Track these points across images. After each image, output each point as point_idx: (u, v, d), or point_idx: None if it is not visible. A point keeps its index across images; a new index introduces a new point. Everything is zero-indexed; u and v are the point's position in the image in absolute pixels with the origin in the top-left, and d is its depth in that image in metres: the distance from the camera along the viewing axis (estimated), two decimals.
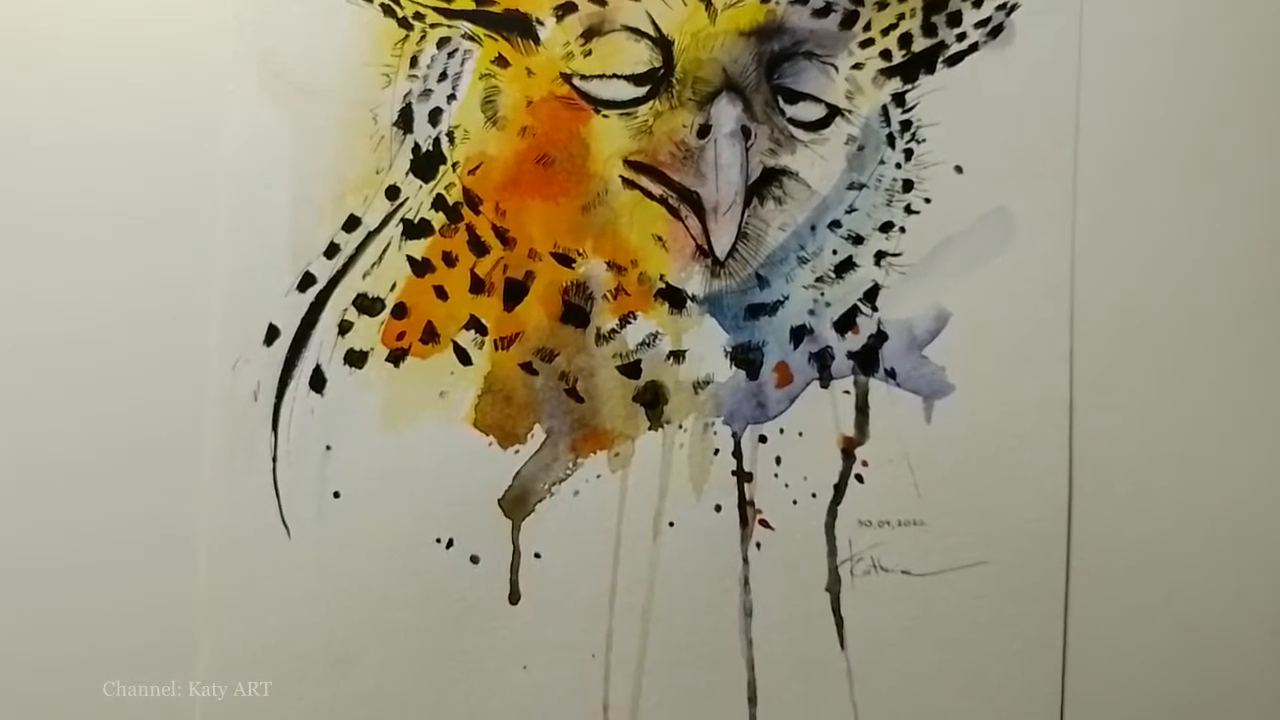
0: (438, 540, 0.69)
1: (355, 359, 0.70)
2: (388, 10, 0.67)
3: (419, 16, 0.67)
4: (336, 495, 0.69)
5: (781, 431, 0.73)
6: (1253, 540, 0.72)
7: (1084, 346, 0.74)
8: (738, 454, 0.72)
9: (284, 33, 0.69)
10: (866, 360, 0.73)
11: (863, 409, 0.73)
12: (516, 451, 0.71)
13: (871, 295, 0.73)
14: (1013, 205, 0.74)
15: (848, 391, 0.74)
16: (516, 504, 0.70)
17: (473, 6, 0.69)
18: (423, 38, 0.70)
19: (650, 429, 0.71)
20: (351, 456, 0.70)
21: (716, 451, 0.72)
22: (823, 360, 0.73)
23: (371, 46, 0.70)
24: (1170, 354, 0.75)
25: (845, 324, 0.73)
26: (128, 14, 0.68)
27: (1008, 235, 0.74)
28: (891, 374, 0.73)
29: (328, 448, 0.70)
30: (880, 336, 0.73)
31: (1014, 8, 0.73)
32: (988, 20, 0.73)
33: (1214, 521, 0.72)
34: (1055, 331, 0.75)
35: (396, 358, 0.70)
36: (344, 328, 0.70)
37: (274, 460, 0.68)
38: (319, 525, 0.68)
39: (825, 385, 0.73)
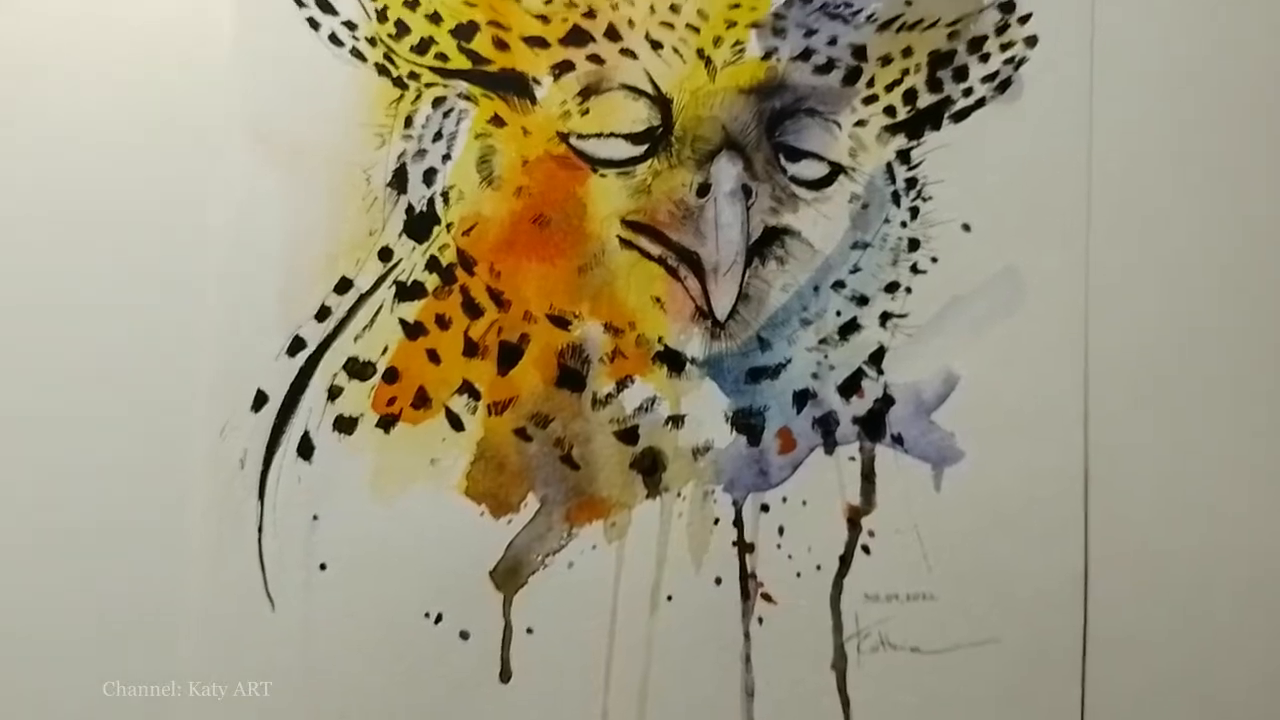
0: (426, 615, 0.69)
1: (344, 425, 0.69)
2: (382, 70, 0.66)
3: (414, 76, 0.66)
4: (323, 567, 0.69)
5: (784, 500, 0.72)
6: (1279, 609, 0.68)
7: (1099, 410, 0.73)
8: (739, 524, 0.71)
9: (277, 93, 0.70)
10: (872, 425, 0.72)
11: (869, 476, 0.72)
12: (509, 521, 0.70)
13: (877, 358, 0.72)
14: (1023, 264, 0.73)
15: (853, 458, 0.72)
16: (508, 576, 0.69)
17: (468, 66, 0.70)
18: (417, 97, 0.70)
19: (648, 497, 0.71)
20: (339, 526, 0.69)
21: (717, 521, 0.71)
22: (827, 425, 0.72)
23: (365, 106, 0.70)
24: (1188, 417, 0.74)
25: (850, 388, 0.72)
26: (121, 73, 0.69)
27: (1018, 295, 0.73)
28: (899, 440, 0.72)
29: (315, 517, 0.69)
30: (886, 401, 0.72)
31: (1022, 62, 0.74)
32: (995, 75, 0.73)
33: (1239, 591, 0.70)
34: (1069, 395, 0.73)
35: (387, 424, 0.69)
36: (334, 393, 0.69)
37: (259, 530, 0.68)
38: (305, 598, 0.68)
39: (830, 452, 0.72)
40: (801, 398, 0.71)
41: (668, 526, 0.70)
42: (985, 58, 0.73)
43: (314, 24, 0.68)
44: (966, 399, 0.72)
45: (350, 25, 0.68)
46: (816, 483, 0.71)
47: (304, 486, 0.69)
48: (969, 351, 0.72)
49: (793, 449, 0.71)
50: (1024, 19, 0.72)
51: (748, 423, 0.71)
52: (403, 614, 0.68)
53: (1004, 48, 0.73)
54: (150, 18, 0.68)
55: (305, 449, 0.69)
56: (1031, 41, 0.73)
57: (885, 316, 0.72)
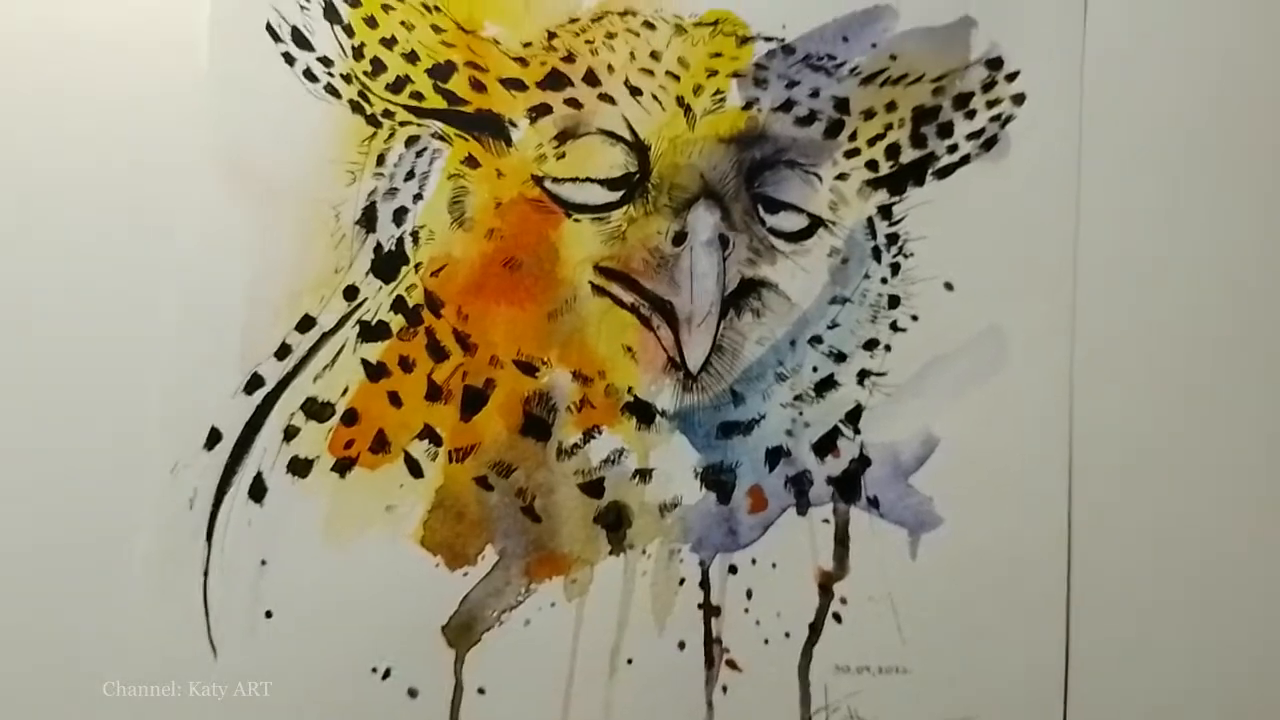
0: (374, 669, 0.67)
1: (299, 467, 0.67)
2: (356, 107, 0.65)
3: (388, 114, 0.65)
4: (269, 615, 0.66)
5: (754, 562, 0.69)
6: (1268, 690, 0.63)
7: (1084, 477, 0.71)
8: (705, 585, 0.69)
9: (250, 126, 0.69)
10: (848, 487, 0.70)
11: (843, 541, 0.70)
12: (465, 574, 0.68)
13: (854, 416, 0.71)
14: (1007, 324, 0.72)
15: (827, 520, 0.70)
16: (462, 632, 0.67)
17: (444, 106, 0.70)
18: (391, 135, 0.70)
19: (611, 554, 0.69)
20: (288, 573, 0.67)
21: (682, 581, 0.69)
22: (800, 485, 0.70)
23: (338, 142, 0.70)
24: (1177, 485, 0.72)
25: (825, 446, 0.70)
26: (95, 97, 0.69)
27: (1001, 356, 0.71)
28: (874, 503, 0.70)
29: (263, 562, 0.67)
30: (863, 461, 0.70)
31: (1009, 119, 0.73)
32: (981, 132, 0.73)
33: (1226, 670, 0.65)
34: (1052, 461, 0.71)
35: (343, 467, 0.68)
36: (290, 433, 0.68)
37: (205, 574, 0.66)
38: (248, 647, 0.66)
39: (803, 513, 0.70)
40: (775, 455, 0.69)
41: (631, 585, 0.67)
42: (971, 114, 0.72)
43: (289, 59, 0.67)
44: (946, 462, 0.70)
45: (326, 61, 0.67)
46: (788, 545, 0.69)
47: (254, 530, 0.67)
48: (950, 413, 0.70)
49: (764, 508, 0.69)
50: (1011, 76, 0.71)
51: (718, 479, 0.69)
52: (349, 667, 0.66)
53: (991, 105, 0.72)
54: (127, 44, 0.68)
55: (257, 491, 0.67)
56: (1019, 99, 0.72)
57: (863, 374, 0.70)
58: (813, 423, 0.70)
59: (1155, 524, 0.69)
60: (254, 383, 0.67)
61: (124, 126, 0.69)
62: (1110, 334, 0.71)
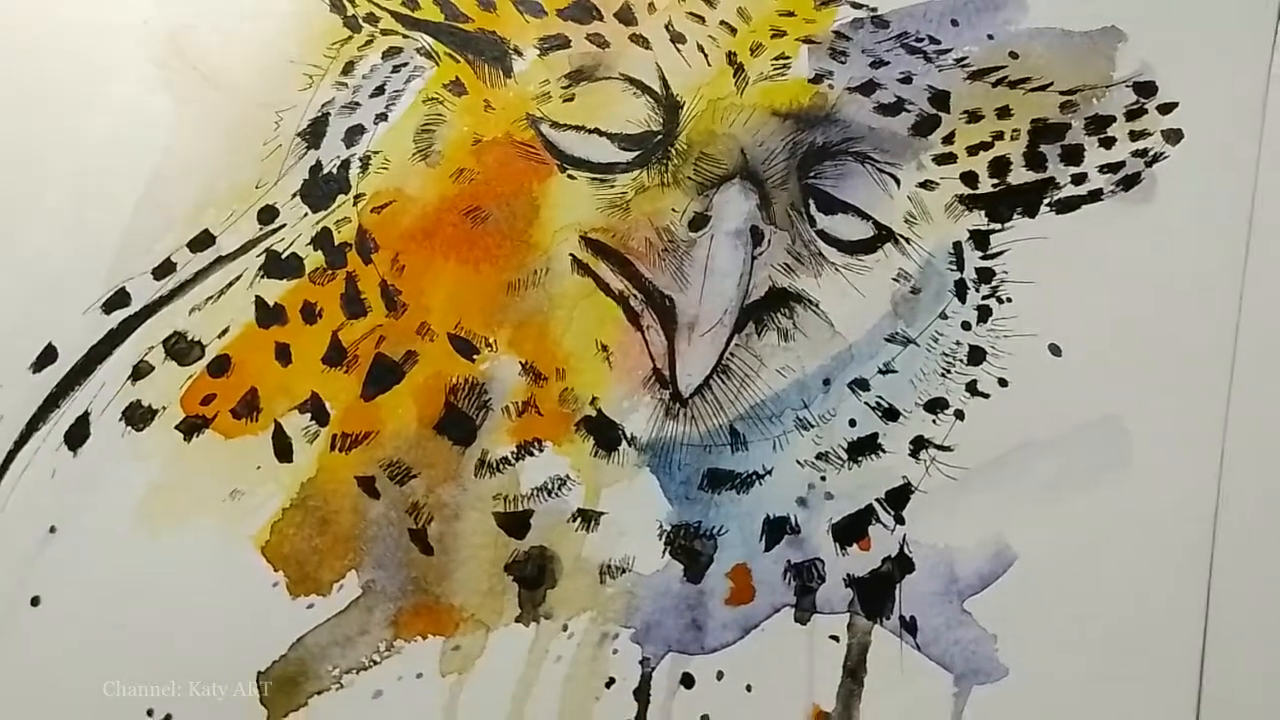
0: (149, 714, 0.50)
1: (138, 417, 0.54)
2: (336, 5, 0.55)
3: (372, 19, 0.54)
4: (35, 602, 0.51)
5: (719, 676, 0.52)
6: None
7: (1223, 643, 0.51)
8: (642, 696, 0.52)
9: (209, 10, 0.59)
10: (875, 595, 0.54)
11: (855, 673, 0.53)
12: (310, 606, 0.52)
13: (898, 499, 0.55)
14: (1131, 419, 0.56)
15: (836, 638, 0.53)
16: (284, 687, 0.51)
17: (440, 19, 0.60)
18: (368, 43, 0.60)
19: (519, 620, 0.53)
20: (77, 550, 0.52)
21: (610, 683, 0.52)
22: (806, 579, 0.54)
23: (303, 41, 0.59)
24: None
25: (851, 532, 0.54)
26: None
27: (1120, 458, 0.55)
28: (911, 627, 0.53)
29: (51, 529, 0.52)
30: (902, 563, 0.54)
31: (1158, 158, 0.59)
32: (1119, 165, 0.59)
33: None
34: (1181, 615, 0.52)
35: (192, 428, 0.54)
36: (139, 371, 0.55)
37: None
38: None
39: (804, 619, 0.53)
40: (776, 529, 0.54)
41: (535, 672, 0.52)
42: (1108, 142, 0.59)
43: None
44: (1022, 589, 0.53)
45: None
46: (774, 663, 0.52)
47: (55, 484, 0.53)
48: (1036, 522, 0.54)
49: (748, 600, 0.53)
50: (1166, 108, 0.59)
51: (691, 547, 0.54)
52: (117, 702, 0.50)
53: (1135, 136, 0.59)
54: None
55: (77, 435, 0.54)
56: (1173, 136, 0.60)
57: (920, 444, 0.56)
58: (838, 495, 0.55)
59: None
60: (117, 300, 0.55)
61: None
62: (1275, 444, 0.54)
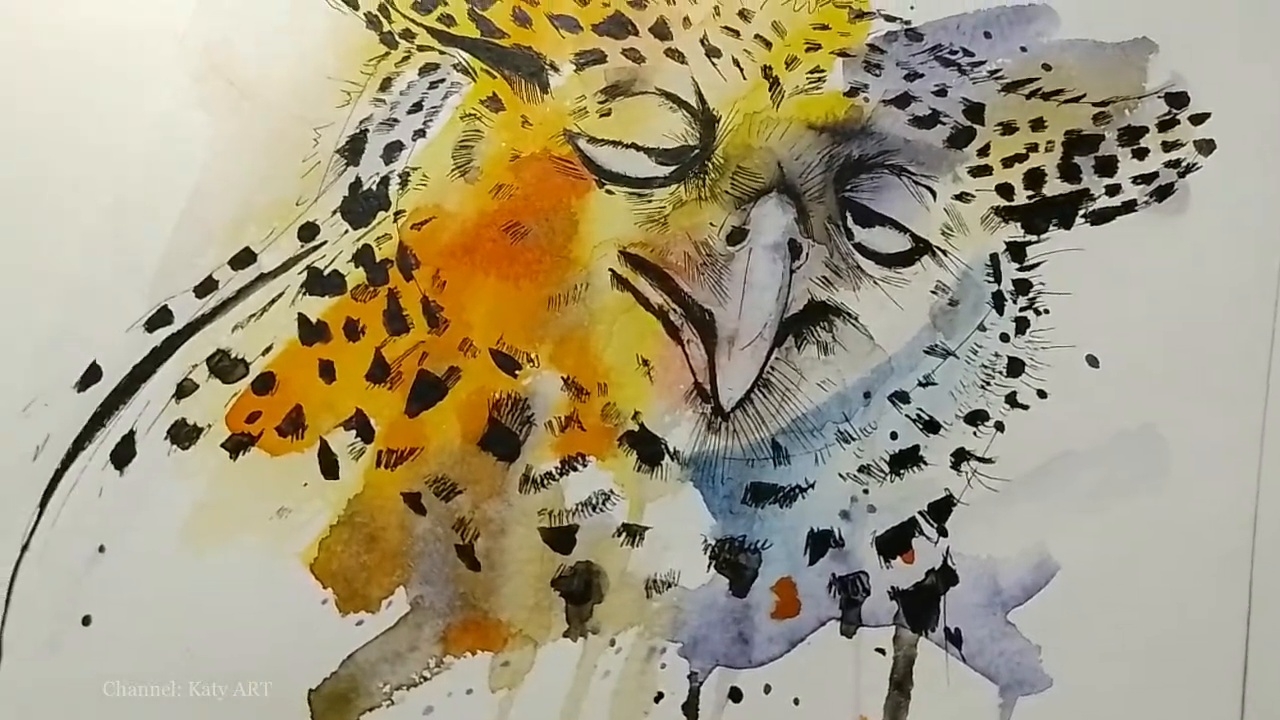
0: None
1: (184, 435, 0.54)
2: (373, 21, 0.54)
3: (408, 35, 0.53)
4: (86, 622, 0.51)
5: (767, 690, 0.52)
6: None
7: (1266, 651, 0.51)
8: (691, 711, 0.51)
9: (245, 21, 0.59)
10: (920, 608, 0.53)
11: (902, 685, 0.52)
12: (360, 623, 0.52)
13: (941, 511, 0.54)
14: (1168, 427, 0.55)
15: (882, 650, 0.53)
16: (334, 704, 0.51)
17: (476, 35, 0.60)
18: (405, 59, 0.59)
19: (567, 635, 0.53)
20: (127, 571, 0.51)
21: (659, 697, 0.52)
22: (852, 592, 0.53)
23: (341, 57, 0.59)
24: None
25: (894, 545, 0.54)
26: None
27: (1158, 467, 0.55)
28: (956, 639, 0.53)
29: (101, 549, 0.52)
30: (946, 576, 0.54)
31: (1191, 169, 0.59)
32: (1153, 176, 0.59)
33: None
34: (1220, 620, 0.52)
35: (238, 446, 0.54)
36: (184, 390, 0.54)
37: (23, 548, 0.51)
38: (45, 662, 0.49)
39: (849, 632, 0.53)
40: (820, 542, 0.54)
41: (584, 687, 0.52)
42: (1141, 154, 0.59)
43: None
44: (1065, 599, 0.53)
45: None
46: (821, 675, 0.52)
47: (103, 503, 0.52)
48: (1077, 531, 0.54)
49: (794, 614, 0.53)
50: (1199, 119, 0.59)
51: (736, 561, 0.54)
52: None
53: (1168, 147, 0.59)
54: None
55: (123, 454, 0.53)
56: (1206, 147, 0.60)
57: (961, 456, 0.55)
58: (881, 508, 0.54)
59: None
60: (160, 318, 0.55)
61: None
62: None
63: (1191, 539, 0.53)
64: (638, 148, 0.57)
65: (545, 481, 0.53)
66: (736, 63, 0.58)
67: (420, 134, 0.58)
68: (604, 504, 0.53)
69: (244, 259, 0.56)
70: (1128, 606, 0.52)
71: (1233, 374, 0.55)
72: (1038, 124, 0.58)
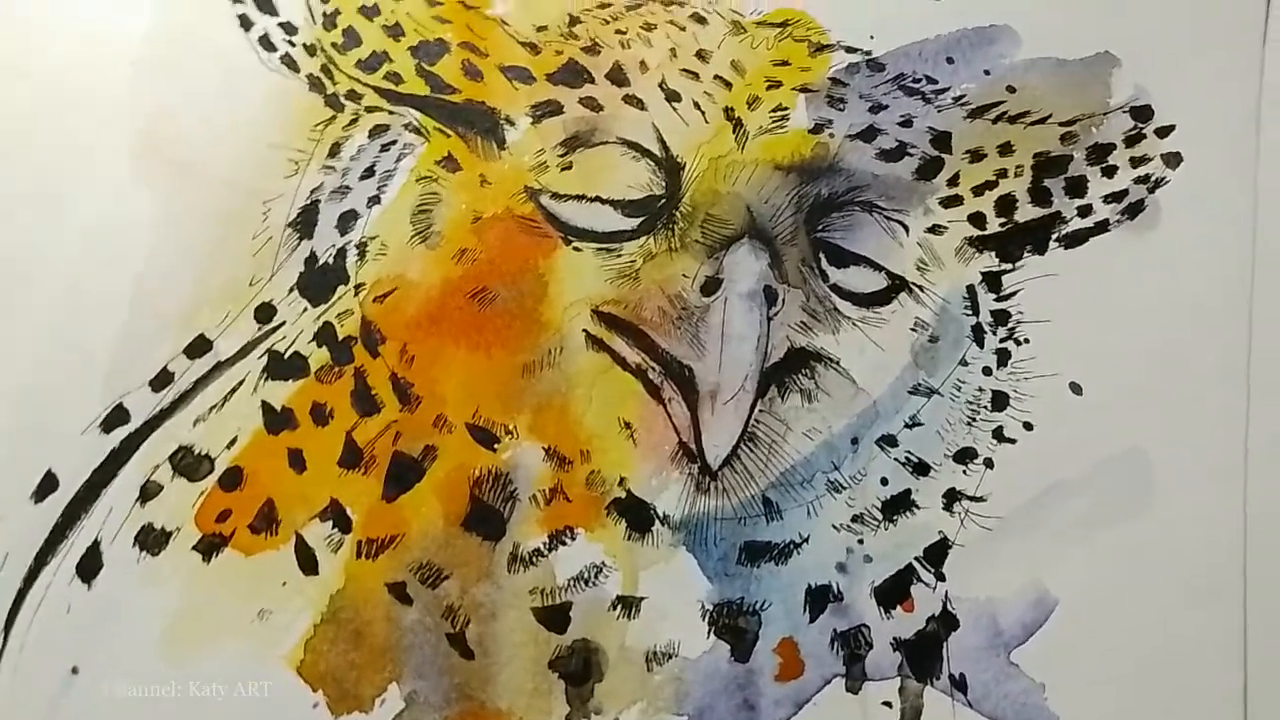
0: None
1: (152, 540, 0.51)
2: (316, 84, 0.51)
3: (354, 96, 0.50)
4: None
5: None
6: None
7: (1262, 668, 0.51)
8: None
9: (181, 95, 0.56)
10: (923, 657, 0.52)
11: None
12: None
13: (937, 555, 0.53)
14: (1154, 448, 0.55)
15: (889, 704, 0.52)
16: None
17: (425, 92, 0.58)
18: (353, 122, 0.57)
19: (569, 719, 0.50)
20: (105, 690, 0.49)
21: None
22: (854, 646, 0.52)
23: (285, 124, 0.57)
24: None
25: (893, 594, 0.53)
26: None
27: (1147, 490, 0.54)
28: (961, 685, 0.52)
29: (74, 670, 0.50)
30: (947, 621, 0.53)
31: (1160, 183, 0.58)
32: (1123, 194, 0.58)
33: None
34: (1217, 643, 0.52)
35: (210, 548, 0.52)
36: (148, 492, 0.52)
37: None
38: None
39: (855, 688, 0.52)
40: (820, 598, 0.53)
41: None
42: (1110, 171, 0.58)
43: (246, 22, 0.52)
44: (1065, 633, 0.52)
45: (289, 28, 0.54)
46: None
47: (73, 620, 0.50)
48: (1072, 563, 0.53)
49: (799, 674, 0.51)
50: (1164, 131, 0.58)
51: (735, 625, 0.52)
52: None
53: (1136, 162, 0.58)
54: None
55: (89, 566, 0.51)
56: (1173, 160, 0.59)
57: (953, 496, 0.54)
58: (877, 557, 0.53)
59: None
60: (116, 417, 0.53)
61: (37, 75, 0.55)
62: None
63: (1183, 559, 0.52)
64: (603, 201, 0.55)
65: (534, 559, 0.51)
66: (698, 105, 0.56)
67: (375, 200, 0.55)
68: (596, 577, 0.51)
69: (200, 347, 0.53)
70: (1126, 634, 0.51)
71: (1213, 389, 0.54)
72: (1005, 149, 0.57)
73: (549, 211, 0.55)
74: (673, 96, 0.56)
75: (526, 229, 0.55)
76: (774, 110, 0.56)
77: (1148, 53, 0.59)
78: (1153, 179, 0.58)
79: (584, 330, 0.54)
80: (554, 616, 0.51)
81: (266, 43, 0.57)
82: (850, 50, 0.57)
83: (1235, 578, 0.53)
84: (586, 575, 0.52)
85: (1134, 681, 0.51)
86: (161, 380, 0.53)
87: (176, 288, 0.54)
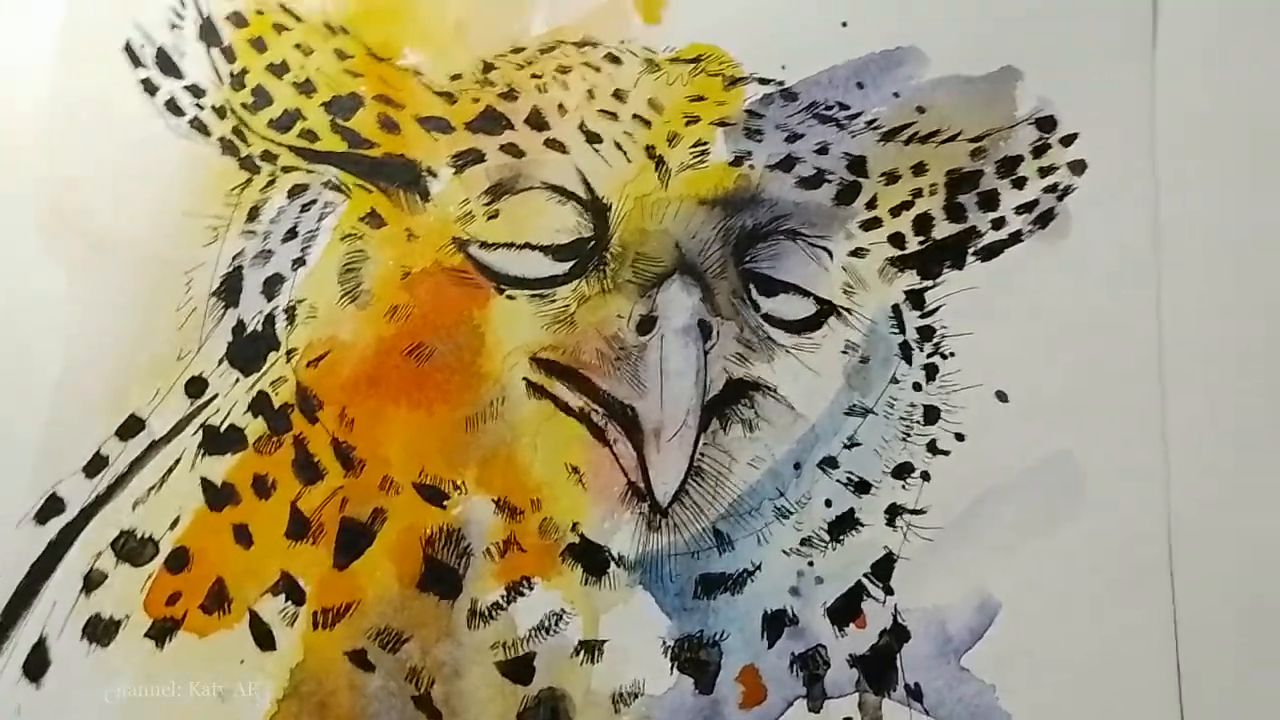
0: None
1: (101, 631, 0.50)
2: (228, 147, 0.49)
3: (269, 156, 0.49)
4: None
5: None
6: None
7: (1196, 656, 0.53)
8: None
9: (87, 166, 0.55)
10: (878, 670, 0.53)
11: None
12: None
13: (884, 570, 0.54)
14: (1081, 450, 0.56)
15: (850, 719, 0.52)
16: None
17: (343, 148, 0.56)
18: (270, 184, 0.58)
19: None
20: None
21: None
22: (813, 667, 0.53)
23: (199, 191, 0.56)
24: None
25: (846, 612, 0.54)
26: None
27: (1076, 491, 0.55)
28: (916, 694, 0.53)
29: None
30: (898, 634, 0.54)
31: (1068, 191, 0.59)
32: (1034, 204, 0.59)
33: None
34: (1150, 631, 0.53)
35: (163, 633, 0.51)
36: (92, 581, 0.51)
37: None
38: None
39: (817, 708, 0.52)
40: (776, 623, 0.53)
41: None
42: (1020, 183, 0.60)
43: (150, 87, 0.51)
44: (1010, 635, 0.53)
45: (196, 90, 0.53)
46: None
47: None
48: (1011, 565, 0.54)
49: (762, 700, 0.52)
50: (1068, 139, 0.60)
51: (697, 658, 0.53)
52: None
53: (1044, 172, 0.60)
54: None
55: (36, 665, 0.50)
56: (1078, 167, 0.60)
57: (895, 511, 0.55)
58: (827, 578, 0.54)
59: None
60: (50, 507, 0.52)
61: None
62: (1211, 466, 0.55)
63: (1111, 558, 0.55)
64: (532, 247, 0.55)
65: (494, 612, 0.51)
66: (619, 146, 0.57)
67: (300, 262, 0.55)
68: (557, 624, 0.52)
69: (132, 427, 0.52)
70: (1067, 631, 0.53)
71: (1130, 389, 0.57)
72: (919, 168, 0.59)
73: (479, 261, 0.55)
74: (593, 138, 0.57)
75: (458, 281, 0.55)
76: (694, 145, 0.57)
77: (1047, 64, 0.60)
78: (1060, 187, 0.59)
79: (524, 379, 0.54)
80: (518, 668, 0.51)
81: (174, 107, 0.56)
82: (764, 81, 0.58)
83: (1163, 573, 0.55)
84: (547, 624, 0.52)
85: (1077, 676, 0.53)
86: (95, 465, 0.52)
87: (101, 367, 0.53)
